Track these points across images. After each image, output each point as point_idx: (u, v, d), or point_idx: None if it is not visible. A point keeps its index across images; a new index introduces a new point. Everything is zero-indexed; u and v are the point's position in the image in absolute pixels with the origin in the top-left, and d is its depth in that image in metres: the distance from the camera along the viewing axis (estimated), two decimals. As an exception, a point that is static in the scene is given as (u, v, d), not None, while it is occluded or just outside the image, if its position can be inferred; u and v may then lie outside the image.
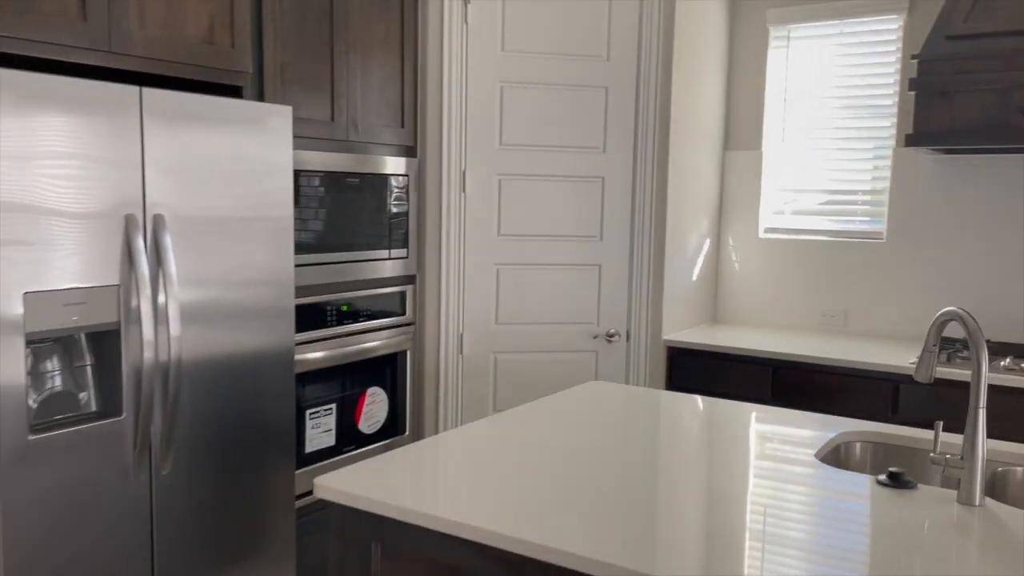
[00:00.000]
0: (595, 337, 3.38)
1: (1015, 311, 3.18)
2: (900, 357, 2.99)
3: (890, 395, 2.90)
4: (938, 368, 2.80)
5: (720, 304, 3.88)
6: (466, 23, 3.14)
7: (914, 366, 2.83)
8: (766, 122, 3.71)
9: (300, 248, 2.70)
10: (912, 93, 2.87)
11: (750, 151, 3.75)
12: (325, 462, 2.86)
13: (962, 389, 2.75)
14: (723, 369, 3.26)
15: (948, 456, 1.59)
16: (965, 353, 2.93)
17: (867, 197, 3.50)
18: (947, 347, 3.03)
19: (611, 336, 3.38)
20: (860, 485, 1.65)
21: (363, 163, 2.92)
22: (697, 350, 3.33)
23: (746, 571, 1.25)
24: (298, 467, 2.76)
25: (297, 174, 2.66)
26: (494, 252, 3.26)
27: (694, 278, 3.66)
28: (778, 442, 1.93)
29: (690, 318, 3.64)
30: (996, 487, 1.82)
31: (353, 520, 1.60)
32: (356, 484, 1.60)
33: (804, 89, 3.60)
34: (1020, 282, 3.17)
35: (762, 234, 3.77)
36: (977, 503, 1.54)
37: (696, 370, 3.32)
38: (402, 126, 3.10)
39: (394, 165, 3.05)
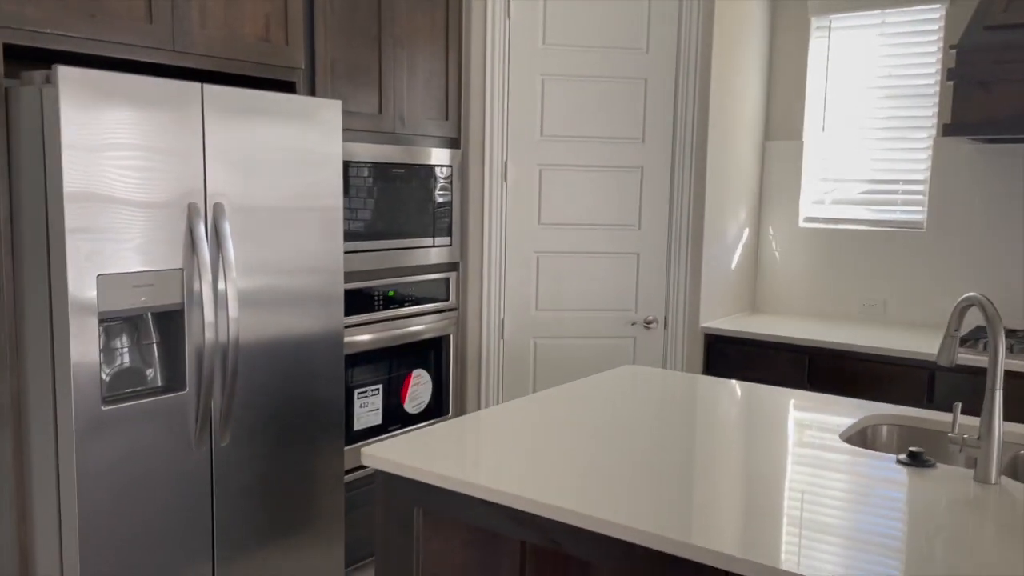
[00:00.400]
0: (633, 324, 3.46)
1: (1057, 301, 3.18)
2: (937, 346, 3.01)
3: (926, 383, 2.92)
4: (974, 356, 2.82)
5: (759, 293, 3.92)
6: (508, 18, 3.23)
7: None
8: (807, 112, 3.73)
9: (349, 236, 2.83)
10: (951, 83, 2.88)
11: (790, 141, 3.78)
12: (372, 440, 3.00)
13: (1011, 378, 2.77)
14: (760, 357, 3.31)
15: (966, 436, 1.65)
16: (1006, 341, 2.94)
17: (907, 187, 3.51)
18: (985, 336, 3.04)
19: (649, 323, 3.46)
20: (882, 464, 1.71)
21: (409, 154, 3.04)
22: (734, 337, 3.39)
23: (774, 541, 1.34)
24: (347, 444, 2.90)
25: (346, 165, 2.79)
26: (535, 240, 3.36)
27: (733, 267, 3.71)
28: (807, 423, 1.99)
29: (729, 306, 3.69)
30: (1017, 469, 1.86)
31: (397, 487, 1.73)
32: (400, 453, 1.72)
33: (845, 79, 3.62)
34: (1062, 272, 3.16)
35: (802, 223, 3.80)
36: (993, 481, 1.60)
37: (734, 357, 3.38)
38: (446, 119, 3.21)
39: (438, 156, 3.16)
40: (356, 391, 2.92)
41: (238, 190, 2.27)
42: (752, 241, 3.86)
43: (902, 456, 1.73)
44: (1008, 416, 2.71)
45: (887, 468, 1.69)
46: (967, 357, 2.82)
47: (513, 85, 3.27)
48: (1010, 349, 2.84)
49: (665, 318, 3.47)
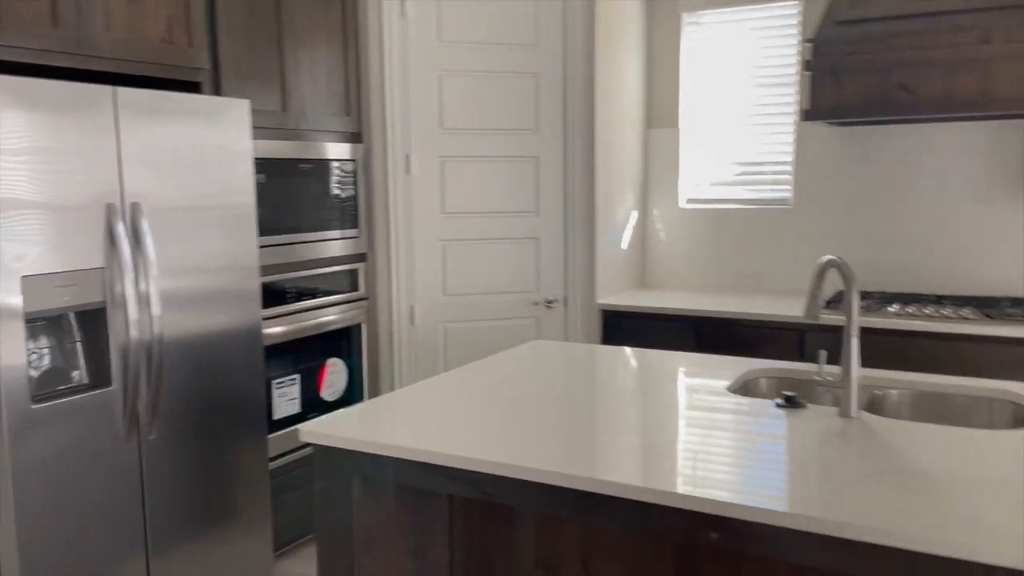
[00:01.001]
0: (535, 304, 3.68)
1: (903, 264, 3.59)
2: (801, 307, 3.35)
3: (798, 341, 3.26)
4: (837, 316, 3.17)
5: (648, 270, 4.21)
6: (404, 16, 3.36)
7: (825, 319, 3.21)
8: (682, 101, 4.03)
9: (261, 231, 2.90)
10: (808, 73, 3.21)
11: (669, 128, 4.07)
12: (292, 428, 3.09)
13: (867, 333, 3.13)
14: (652, 328, 3.59)
15: (830, 378, 1.92)
16: (864, 303, 3.31)
17: (775, 168, 3.87)
18: (865, 299, 3.41)
19: (550, 303, 3.68)
20: (762, 408, 1.97)
21: (314, 150, 3.13)
22: (628, 312, 3.65)
23: (671, 474, 1.55)
24: (268, 433, 2.98)
25: (256, 162, 2.86)
26: (440, 229, 3.52)
27: (624, 247, 3.97)
28: (698, 379, 2.24)
29: (621, 283, 3.96)
30: (874, 406, 2.17)
31: (335, 460, 1.86)
32: (337, 428, 1.86)
33: (716, 69, 3.93)
34: (907, 238, 3.57)
35: (683, 204, 4.10)
36: (854, 415, 1.88)
37: (628, 330, 3.65)
38: (348, 114, 3.32)
39: (342, 151, 3.27)
40: (274, 382, 3.01)
41: (154, 190, 2.33)
42: (640, 222, 4.14)
43: (778, 400, 2.00)
44: (867, 365, 3.07)
45: (767, 411, 1.95)
46: (832, 316, 3.17)
47: (412, 80, 3.40)
48: (868, 308, 3.21)
49: (564, 297, 3.70)
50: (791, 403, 1.97)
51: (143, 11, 2.46)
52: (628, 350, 2.65)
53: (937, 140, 3.48)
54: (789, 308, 3.37)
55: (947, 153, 3.47)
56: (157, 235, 2.34)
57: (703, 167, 4.05)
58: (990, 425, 2.07)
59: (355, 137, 3.37)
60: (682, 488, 1.48)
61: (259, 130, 2.91)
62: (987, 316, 3.02)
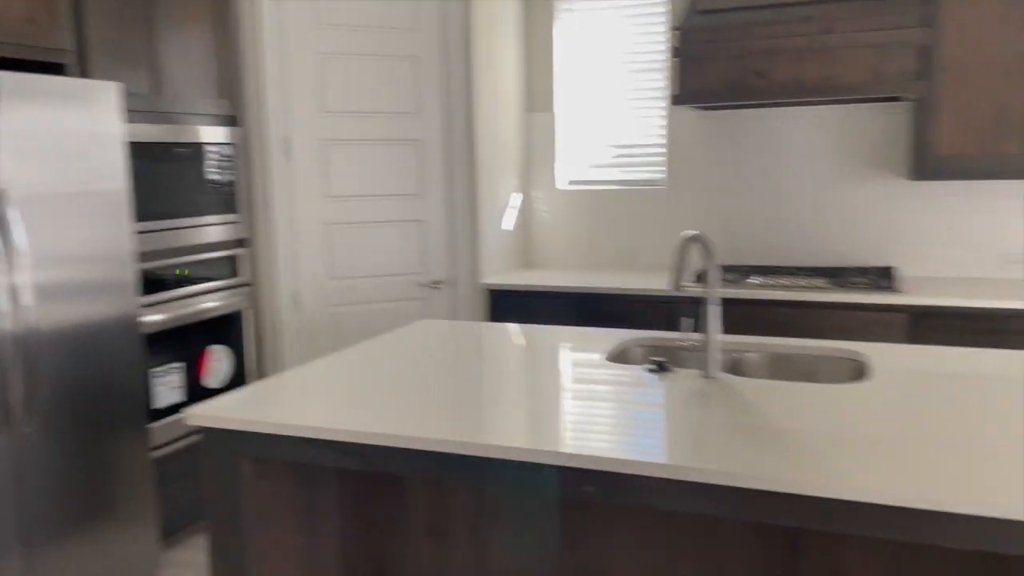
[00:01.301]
0: (422, 286, 3.74)
1: (765, 238, 3.85)
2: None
3: (670, 313, 3.46)
4: (702, 288, 3.38)
5: (532, 249, 4.34)
6: (280, -2, 3.33)
7: (689, 291, 3.41)
8: (558, 86, 4.17)
9: (137, 217, 2.84)
10: (675, 59, 3.39)
11: (548, 112, 4.20)
12: (176, 416, 3.04)
13: (731, 304, 3.36)
14: (536, 306, 3.72)
15: (694, 343, 2.08)
16: (729, 276, 3.54)
17: (648, 150, 4.06)
18: (731, 272, 3.63)
19: (437, 284, 3.75)
20: (635, 372, 2.12)
21: (189, 133, 3.07)
22: (513, 291, 3.76)
23: (550, 435, 1.66)
24: (150, 422, 2.93)
25: (128, 147, 2.79)
26: (323, 213, 3.52)
27: (507, 228, 4.08)
28: (576, 350, 2.37)
29: (506, 263, 4.07)
30: (735, 368, 2.36)
31: (222, 441, 1.87)
32: (224, 409, 1.87)
33: (591, 56, 4.08)
34: (768, 215, 3.84)
35: (563, 186, 4.25)
36: (714, 376, 2.05)
37: (514, 308, 3.76)
38: (224, 97, 3.27)
39: (219, 134, 3.22)
40: (155, 371, 2.95)
41: (21, 177, 2.25)
42: (523, 204, 4.26)
43: (649, 366, 2.15)
44: (732, 332, 3.29)
45: (639, 375, 2.09)
46: (699, 289, 3.38)
47: (292, 63, 3.38)
48: (732, 281, 3.44)
49: (451, 278, 3.77)
50: (660, 368, 2.13)
51: (0, -11, 2.36)
52: (511, 326, 2.76)
53: (791, 123, 3.76)
54: (662, 282, 3.57)
55: (800, 135, 3.75)
56: (27, 224, 2.26)
57: (582, 150, 4.20)
58: (833, 380, 2.29)
59: (232, 120, 3.32)
60: (559, 446, 1.59)
61: (132, 113, 2.84)
62: (836, 285, 3.30)
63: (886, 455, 1.50)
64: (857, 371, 2.24)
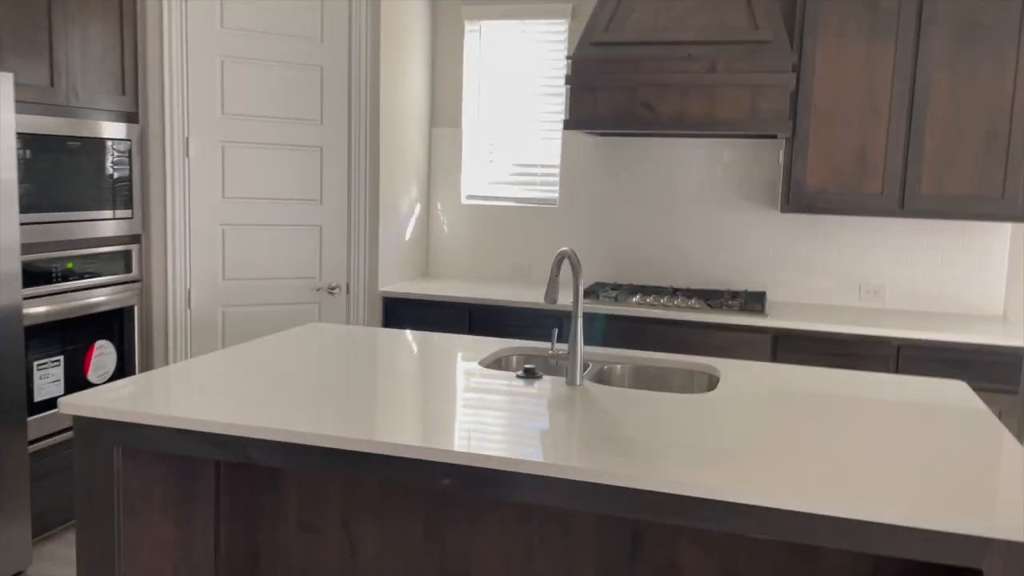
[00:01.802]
0: (318, 290, 3.80)
1: (650, 260, 4.08)
2: (565, 298, 3.73)
3: (556, 325, 3.63)
4: (604, 305, 3.56)
5: (431, 260, 4.45)
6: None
7: (560, 305, 3.58)
8: (465, 103, 4.31)
9: (24, 209, 2.82)
10: (567, 87, 3.58)
11: (452, 128, 4.33)
12: (55, 411, 3.02)
13: (604, 320, 3.54)
14: (430, 314, 3.83)
15: (560, 352, 2.23)
16: (613, 294, 3.73)
17: (545, 170, 4.24)
18: (598, 290, 3.82)
19: (332, 289, 3.81)
20: (506, 378, 2.25)
21: (85, 127, 3.07)
22: (408, 299, 3.86)
23: (416, 431, 1.77)
24: (29, 415, 2.89)
25: (19, 138, 2.77)
26: (220, 213, 3.55)
27: (407, 237, 4.18)
28: (458, 356, 2.49)
29: (404, 272, 4.17)
30: (602, 377, 2.53)
31: (95, 430, 1.91)
32: (100, 399, 1.91)
33: (495, 76, 4.24)
34: (652, 237, 4.06)
35: (464, 200, 4.38)
36: (578, 383, 2.21)
37: (408, 316, 3.86)
38: (123, 94, 3.27)
39: (116, 130, 3.22)
40: (36, 363, 2.92)
41: (-101, 159, 2.23)
42: (423, 215, 4.37)
43: (520, 372, 2.29)
44: (613, 346, 3.49)
45: (510, 381, 2.23)
46: (585, 304, 3.56)
47: (192, 64, 3.41)
48: (616, 299, 3.63)
49: (347, 284, 3.85)
50: (529, 374, 2.27)
51: None
52: (398, 332, 2.86)
53: (675, 153, 4.00)
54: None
55: (683, 164, 3.99)
56: (-98, 207, 2.24)
57: (483, 166, 4.34)
58: (687, 391, 2.48)
59: (131, 117, 3.33)
60: (420, 441, 1.70)
61: (24, 104, 2.82)
62: (709, 306, 3.53)
63: (716, 456, 1.67)
64: (711, 384, 2.44)
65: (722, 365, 2.49)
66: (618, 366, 2.56)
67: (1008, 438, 1.86)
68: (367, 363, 2.38)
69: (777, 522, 1.51)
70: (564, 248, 2.25)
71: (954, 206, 3.41)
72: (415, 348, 2.61)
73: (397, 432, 1.75)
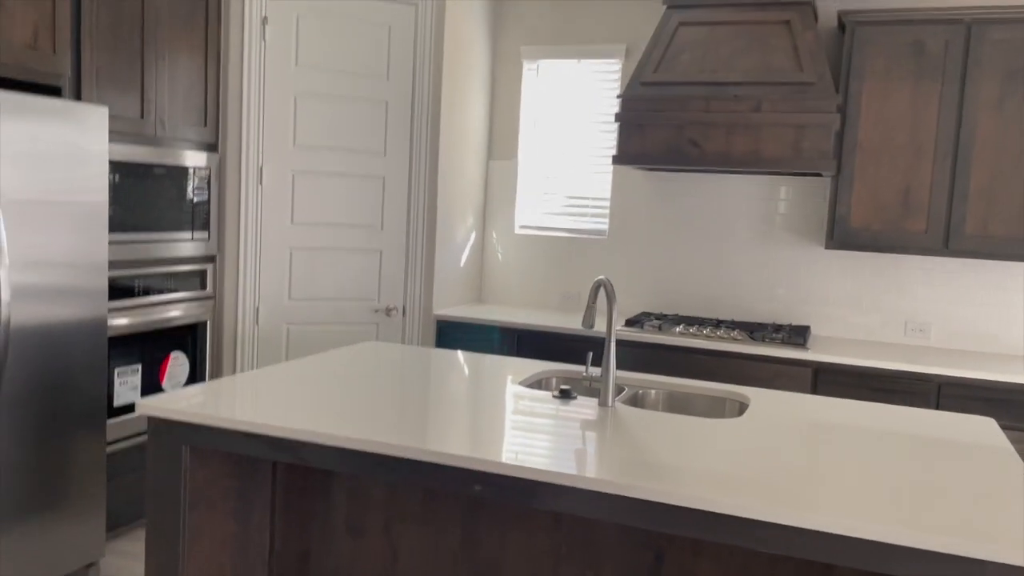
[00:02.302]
0: (376, 311, 4.01)
1: (695, 291, 4.17)
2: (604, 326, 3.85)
3: (600, 350, 3.75)
4: (632, 331, 3.68)
5: (485, 286, 4.63)
6: (264, 40, 3.65)
7: (618, 333, 3.70)
8: (521, 137, 4.50)
9: (113, 228, 3.10)
10: (617, 124, 3.74)
11: (508, 160, 4.53)
12: (132, 415, 3.28)
13: (647, 348, 3.66)
14: (481, 337, 4.00)
15: (594, 375, 2.37)
16: (658, 323, 3.84)
17: (596, 202, 4.39)
18: (642, 320, 3.94)
19: (390, 311, 4.02)
20: (543, 397, 2.40)
21: (169, 156, 3.36)
22: (460, 322, 4.04)
23: (453, 441, 1.93)
24: (109, 419, 3.16)
25: (112, 165, 3.07)
26: (288, 237, 3.80)
27: (462, 264, 4.38)
28: (501, 376, 2.65)
29: (459, 297, 4.36)
30: (636, 401, 2.65)
31: (166, 430, 2.13)
32: (171, 402, 2.13)
33: (552, 111, 4.43)
34: (698, 269, 4.17)
35: (518, 230, 4.56)
36: (610, 404, 2.34)
37: (460, 338, 4.04)
38: (205, 125, 3.56)
39: (197, 159, 3.50)
40: (116, 370, 3.19)
41: (10, 184, 2.51)
42: (479, 243, 4.56)
43: (555, 392, 2.43)
44: (655, 373, 3.60)
45: (546, 400, 2.37)
46: (624, 331, 3.68)
47: (268, 99, 3.69)
48: (660, 328, 3.74)
49: (404, 307, 4.05)
50: (564, 395, 2.41)
51: (10, 16, 2.65)
52: (450, 352, 3.04)
53: (721, 188, 4.11)
54: (598, 326, 3.87)
55: (729, 199, 4.10)
56: (17, 229, 2.52)
57: (537, 197, 4.52)
58: (719, 417, 2.58)
59: (211, 147, 3.61)
60: (459, 450, 1.86)
61: (117, 134, 3.12)
62: (752, 338, 3.61)
63: (736, 475, 1.78)
64: (740, 410, 2.53)
65: (753, 393, 2.58)
66: (652, 391, 2.67)
67: (1021, 471, 1.92)
68: (416, 379, 2.55)
69: (790, 540, 1.61)
70: (601, 277, 2.39)
71: (998, 246, 3.43)
72: (462, 367, 2.77)
73: (439, 441, 1.92)
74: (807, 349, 3.50)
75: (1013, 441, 3.22)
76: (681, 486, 1.69)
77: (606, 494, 1.73)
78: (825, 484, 1.75)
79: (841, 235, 3.65)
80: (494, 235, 4.60)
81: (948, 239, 3.50)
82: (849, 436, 2.15)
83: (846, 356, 3.40)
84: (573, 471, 1.75)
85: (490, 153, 4.57)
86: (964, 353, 3.67)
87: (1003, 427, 3.24)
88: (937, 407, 3.30)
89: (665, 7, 3.77)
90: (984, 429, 2.30)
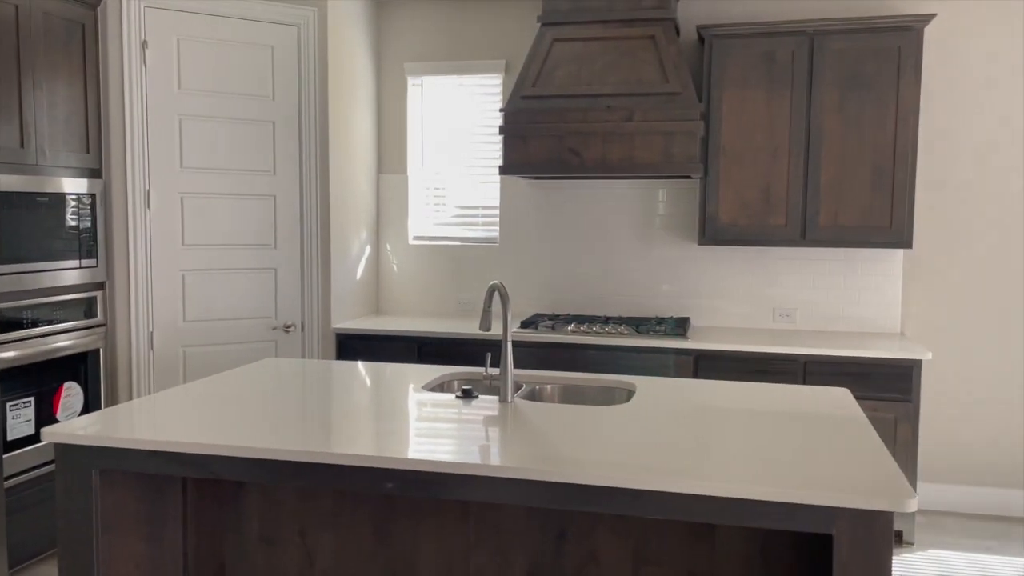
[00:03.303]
0: (274, 329, 4.04)
1: (583, 291, 4.41)
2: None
3: (498, 353, 3.92)
4: (542, 334, 3.87)
5: (382, 298, 4.72)
6: (144, 64, 3.64)
7: (514, 334, 3.87)
8: (409, 151, 4.63)
9: (-4, 259, 3.04)
10: (501, 136, 3.92)
11: (398, 174, 4.64)
12: (28, 448, 3.20)
13: (542, 347, 3.85)
14: (381, 348, 4.09)
15: (494, 374, 2.52)
16: (551, 323, 4.04)
17: (486, 211, 4.56)
18: (536, 321, 4.13)
19: (288, 327, 4.06)
20: (446, 399, 2.53)
21: (52, 184, 3.31)
22: (359, 334, 4.13)
23: (362, 442, 2.04)
24: (4, 453, 3.08)
25: (-9, 194, 3.01)
26: (180, 259, 3.79)
27: (358, 277, 4.46)
28: (403, 382, 2.77)
29: (356, 310, 4.43)
30: (534, 396, 2.82)
31: (75, 456, 2.14)
32: (78, 427, 2.15)
33: (438, 124, 4.57)
34: (585, 270, 4.40)
35: (411, 241, 4.68)
36: (509, 400, 2.50)
37: (360, 350, 4.12)
38: (87, 152, 3.52)
39: (80, 185, 3.46)
40: (8, 404, 3.12)
41: None
42: (374, 256, 4.65)
43: (458, 392, 2.57)
44: (550, 370, 3.79)
45: (449, 401, 2.51)
46: (520, 332, 3.86)
47: (152, 123, 3.68)
48: (553, 327, 3.94)
49: (302, 322, 4.10)
50: (466, 394, 2.56)
51: None
52: (350, 363, 3.13)
53: (602, 193, 4.36)
54: (495, 328, 4.03)
55: (610, 203, 4.35)
56: None
57: (428, 209, 4.65)
58: (609, 404, 2.78)
59: (95, 173, 3.57)
60: (367, 451, 1.97)
61: (-5, 164, 3.05)
62: (638, 332, 3.86)
63: (625, 452, 1.97)
64: (628, 397, 2.75)
65: (639, 381, 2.80)
66: (548, 386, 2.86)
67: (870, 433, 2.20)
68: (319, 390, 2.64)
69: (677, 505, 1.81)
70: (494, 281, 2.55)
71: (848, 235, 3.81)
72: (364, 376, 2.87)
73: (346, 444, 2.02)
74: (687, 339, 3.77)
75: (868, 409, 3.58)
76: (577, 466, 1.86)
77: (510, 479, 1.88)
78: (703, 455, 1.96)
79: (712, 232, 3.95)
80: (388, 247, 4.70)
81: (805, 230, 3.85)
82: (723, 413, 2.39)
83: (722, 343, 3.69)
84: (478, 460, 1.90)
85: (380, 167, 4.68)
86: (827, 334, 4.04)
87: (860, 397, 3.59)
88: (804, 383, 3.63)
89: (540, 24, 3.98)
90: (840, 400, 2.59)
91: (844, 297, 4.13)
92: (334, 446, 2.01)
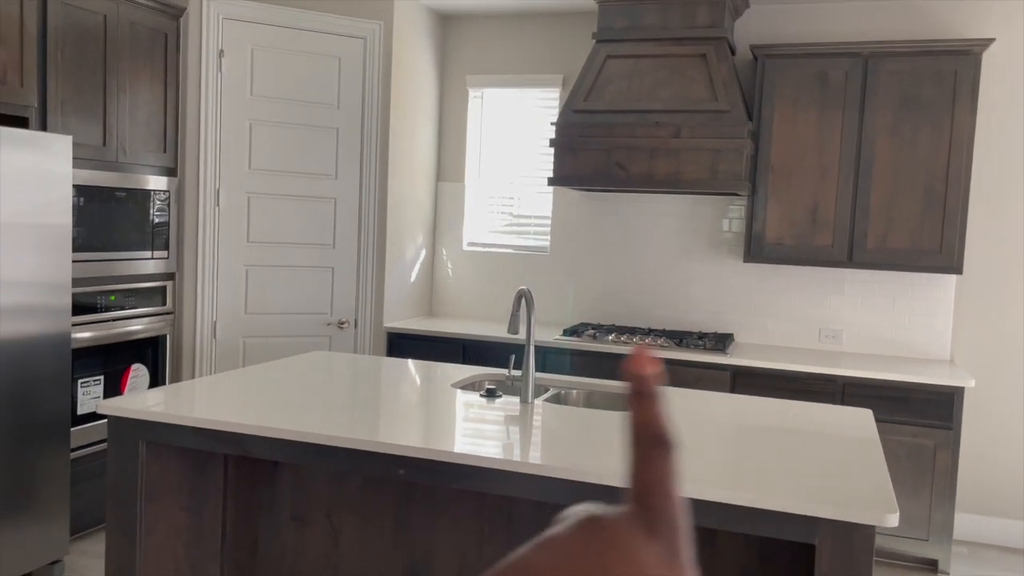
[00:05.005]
0: (329, 324, 4.25)
1: (627, 302, 4.47)
2: (548, 334, 4.13)
3: (541, 358, 4.02)
4: (584, 342, 3.96)
5: (436, 300, 4.89)
6: (220, 72, 3.91)
7: (557, 342, 3.98)
8: (468, 160, 4.79)
9: (77, 248, 3.32)
10: (552, 148, 4.04)
11: (456, 182, 4.81)
12: (95, 423, 3.48)
13: (584, 355, 3.94)
14: (429, 348, 4.25)
15: (517, 375, 2.64)
16: (593, 332, 4.13)
17: (537, 221, 4.68)
18: (580, 330, 4.22)
19: (342, 324, 4.26)
20: (472, 396, 2.66)
21: (130, 180, 3.59)
22: (409, 334, 4.30)
23: (382, 430, 2.19)
24: (72, 427, 3.36)
25: (76, 189, 3.30)
26: (244, 255, 4.04)
27: (412, 279, 4.64)
28: (437, 380, 2.91)
29: (410, 311, 4.61)
30: (559, 399, 2.92)
31: (125, 427, 2.36)
32: (129, 403, 2.36)
33: (496, 136, 4.72)
34: (630, 282, 4.47)
35: (466, 247, 4.84)
36: (530, 401, 2.61)
37: (410, 349, 4.29)
38: (165, 151, 3.80)
39: (157, 182, 3.74)
40: (80, 381, 3.40)
41: (-20, 206, 2.74)
42: (429, 260, 4.83)
43: (482, 392, 2.69)
44: (589, 376, 3.87)
45: (475, 399, 2.64)
46: (561, 340, 3.96)
47: (225, 127, 3.94)
48: (594, 337, 4.02)
49: (355, 320, 4.30)
50: (490, 394, 2.68)
51: (-20, 54, 2.88)
52: (395, 360, 3.29)
53: (648, 207, 4.42)
54: (540, 335, 4.14)
55: (655, 218, 4.41)
56: (-19, 245, 2.74)
57: (484, 216, 4.81)
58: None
59: (171, 171, 3.85)
60: (382, 437, 2.12)
61: (80, 160, 3.35)
62: (678, 345, 3.91)
63: (619, 454, 2.06)
64: (649, 407, 2.81)
65: (669, 392, 2.86)
66: (574, 391, 2.95)
67: (875, 451, 2.22)
68: (357, 382, 2.80)
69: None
70: (522, 287, 2.67)
71: (897, 258, 3.77)
72: (402, 373, 3.03)
73: (366, 431, 2.17)
74: (727, 354, 3.80)
75: (907, 435, 3.54)
76: (580, 464, 1.96)
77: (504, 471, 1.99)
78: (698, 460, 2.03)
79: (757, 250, 3.97)
80: (444, 252, 4.87)
81: (852, 252, 3.83)
82: (733, 425, 2.44)
83: (759, 360, 3.71)
84: (483, 453, 2.01)
85: (439, 175, 4.85)
86: (873, 357, 4.00)
87: (899, 422, 3.56)
88: (842, 404, 3.61)
89: (595, 41, 4.09)
90: (858, 419, 2.61)
91: (893, 321, 4.08)
92: (354, 432, 2.16)
